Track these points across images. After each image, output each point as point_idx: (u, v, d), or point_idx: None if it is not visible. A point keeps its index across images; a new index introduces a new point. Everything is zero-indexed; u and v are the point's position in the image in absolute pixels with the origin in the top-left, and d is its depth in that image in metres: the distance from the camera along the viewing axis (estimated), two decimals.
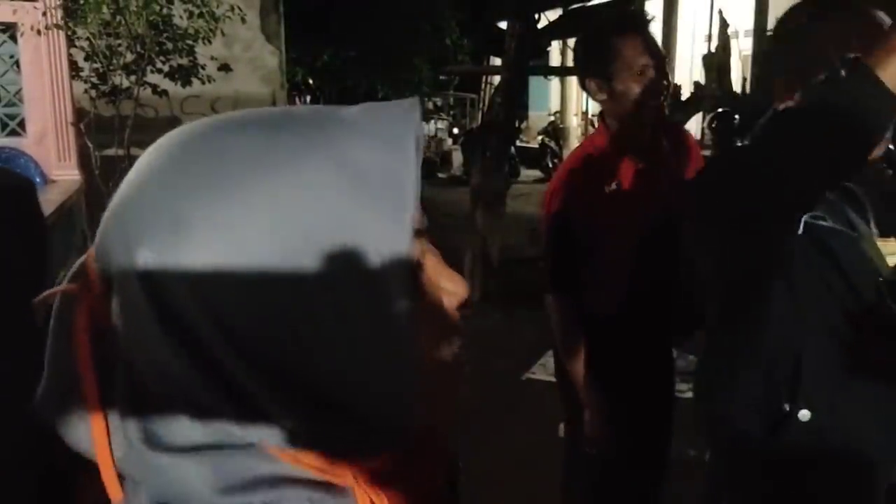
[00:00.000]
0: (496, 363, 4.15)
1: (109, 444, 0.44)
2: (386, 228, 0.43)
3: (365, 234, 0.42)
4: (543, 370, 4.07)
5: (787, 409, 1.19)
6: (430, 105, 14.68)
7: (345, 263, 0.42)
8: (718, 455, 1.39)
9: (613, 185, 1.82)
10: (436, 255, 0.49)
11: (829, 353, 1.19)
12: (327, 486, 0.45)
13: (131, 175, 0.44)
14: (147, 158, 0.45)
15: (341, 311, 0.42)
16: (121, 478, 0.45)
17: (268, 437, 0.43)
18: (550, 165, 13.32)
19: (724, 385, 1.30)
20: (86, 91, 5.10)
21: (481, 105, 14.20)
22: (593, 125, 15.89)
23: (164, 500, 0.44)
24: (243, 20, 5.56)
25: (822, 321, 1.18)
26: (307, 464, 0.44)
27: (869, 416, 1.20)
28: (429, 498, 0.50)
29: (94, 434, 0.44)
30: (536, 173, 13.05)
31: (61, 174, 4.71)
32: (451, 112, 16.17)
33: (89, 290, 0.45)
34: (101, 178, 4.74)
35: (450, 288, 0.48)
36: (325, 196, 0.42)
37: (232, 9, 5.28)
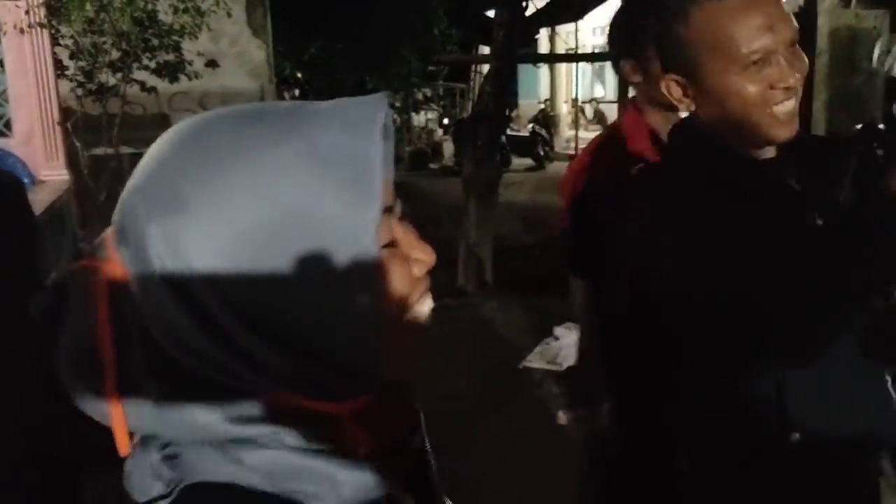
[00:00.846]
0: (492, 353, 4.15)
1: (121, 399, 0.50)
2: (353, 205, 0.49)
3: (334, 209, 0.49)
4: (540, 358, 4.08)
5: (776, 433, 1.16)
6: (420, 96, 14.59)
7: (317, 234, 0.49)
8: (698, 467, 1.30)
9: None
10: (408, 229, 0.55)
11: (811, 370, 1.13)
12: (314, 421, 0.53)
13: (141, 164, 0.53)
14: (153, 150, 0.53)
15: (315, 277, 0.49)
16: (131, 436, 0.52)
17: (262, 385, 0.51)
18: (542, 153, 13.30)
19: (703, 407, 1.24)
20: (72, 90, 5.05)
21: (471, 95, 14.14)
22: (583, 112, 15.79)
23: (178, 441, 0.52)
24: (229, 14, 5.50)
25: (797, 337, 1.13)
26: (295, 405, 0.52)
27: (857, 418, 1.18)
28: (394, 439, 0.60)
29: (107, 389, 0.50)
30: (528, 162, 13.04)
31: (50, 174, 4.67)
32: (441, 103, 16.09)
33: (109, 261, 0.52)
34: (90, 178, 4.71)
35: (419, 256, 0.55)
36: (299, 175, 0.49)
37: (217, 3, 5.24)
